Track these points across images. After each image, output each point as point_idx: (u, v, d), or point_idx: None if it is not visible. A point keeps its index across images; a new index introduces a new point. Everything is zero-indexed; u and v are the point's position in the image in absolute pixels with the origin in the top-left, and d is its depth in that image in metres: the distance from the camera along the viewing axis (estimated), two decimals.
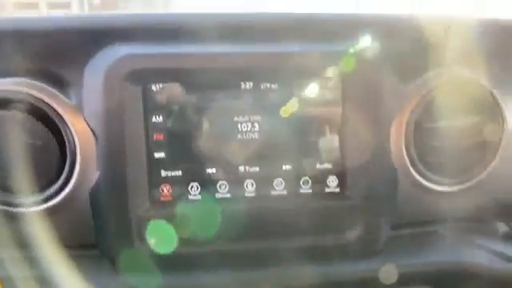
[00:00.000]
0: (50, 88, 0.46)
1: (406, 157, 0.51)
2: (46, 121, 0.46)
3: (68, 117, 0.46)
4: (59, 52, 0.47)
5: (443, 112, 0.49)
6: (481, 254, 0.53)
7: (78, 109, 0.46)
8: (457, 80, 0.50)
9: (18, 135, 0.45)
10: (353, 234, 0.50)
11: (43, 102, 0.45)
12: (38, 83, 0.46)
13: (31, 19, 0.46)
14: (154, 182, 0.48)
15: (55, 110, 0.46)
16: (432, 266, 0.51)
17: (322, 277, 0.50)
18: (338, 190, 0.51)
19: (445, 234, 0.55)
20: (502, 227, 0.59)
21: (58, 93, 0.46)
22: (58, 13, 0.51)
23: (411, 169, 0.51)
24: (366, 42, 0.46)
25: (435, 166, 0.52)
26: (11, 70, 0.47)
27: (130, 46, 0.45)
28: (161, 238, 0.48)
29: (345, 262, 0.51)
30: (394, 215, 0.52)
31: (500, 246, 0.54)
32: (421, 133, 0.50)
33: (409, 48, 0.49)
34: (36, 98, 0.45)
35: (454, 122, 0.49)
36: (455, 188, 0.53)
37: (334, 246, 0.50)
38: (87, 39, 0.46)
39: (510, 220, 0.59)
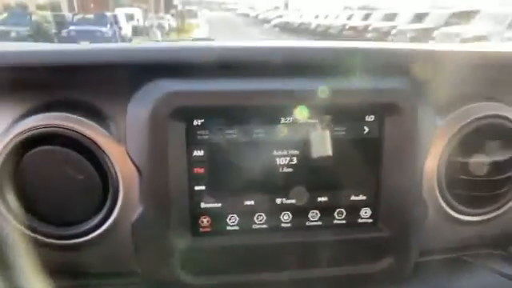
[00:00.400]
0: (91, 122, 0.46)
1: (436, 188, 0.52)
2: (89, 155, 0.46)
3: (111, 151, 0.47)
4: (101, 85, 0.47)
5: (475, 147, 0.51)
6: (495, 281, 0.55)
7: (121, 143, 0.47)
8: (491, 116, 0.51)
9: (61, 169, 0.46)
10: (383, 264, 0.52)
11: (85, 136, 0.46)
12: (79, 117, 0.46)
13: (73, 51, 0.47)
14: (195, 214, 0.49)
15: (98, 145, 0.46)
16: None
17: None
18: (370, 220, 0.52)
19: (469, 261, 0.57)
20: None
21: (99, 127, 0.47)
22: (99, 44, 0.51)
23: (440, 200, 0.53)
24: (411, 78, 0.48)
25: (463, 198, 0.53)
26: (52, 103, 0.47)
27: (174, 81, 0.46)
28: (201, 268, 0.49)
29: None
30: (423, 243, 0.54)
31: None
32: (452, 166, 0.52)
33: (447, 81, 0.50)
34: (78, 132, 0.46)
35: (485, 158, 0.51)
36: (480, 218, 0.55)
37: (364, 274, 0.52)
38: (131, 73, 0.47)
39: None
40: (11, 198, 0.46)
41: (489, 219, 0.55)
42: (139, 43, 0.50)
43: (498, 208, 0.55)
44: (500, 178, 0.52)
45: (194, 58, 0.47)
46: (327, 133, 0.48)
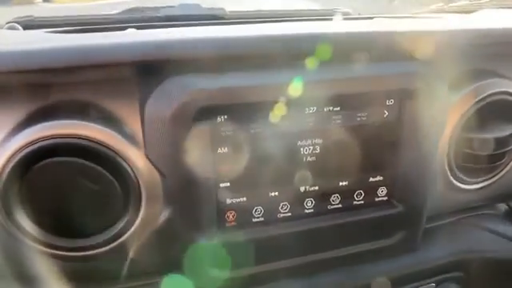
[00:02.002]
0: (104, 127, 0.42)
1: (445, 162, 0.55)
2: (104, 163, 0.42)
3: (129, 156, 0.43)
4: (110, 85, 0.42)
5: (482, 122, 0.53)
6: (491, 239, 0.62)
7: (138, 146, 0.43)
8: (500, 93, 0.53)
9: (75, 181, 0.42)
10: (397, 237, 0.55)
11: (101, 143, 0.41)
12: (92, 124, 0.41)
13: (77, 49, 0.40)
14: (220, 210, 0.48)
15: (115, 151, 0.42)
16: (460, 255, 0.59)
17: (369, 277, 0.55)
18: (385, 198, 0.54)
19: (464, 223, 0.63)
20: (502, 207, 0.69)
21: (114, 132, 0.42)
22: (108, 34, 0.44)
23: (448, 173, 0.56)
24: (426, 60, 0.47)
25: (466, 169, 0.57)
26: (56, 107, 0.41)
27: (197, 78, 0.42)
28: (229, 262, 0.49)
29: (388, 262, 0.56)
30: (429, 212, 0.58)
31: (504, 228, 0.63)
32: (460, 141, 0.54)
33: (459, 59, 0.51)
34: (93, 140, 0.41)
35: (490, 133, 0.54)
36: (478, 186, 0.59)
37: (379, 249, 0.55)
38: (144, 70, 0.42)
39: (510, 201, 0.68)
40: (21, 216, 0.42)
41: (484, 186, 0.59)
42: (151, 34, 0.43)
43: (494, 176, 0.59)
44: (502, 151, 0.55)
45: (217, 51, 0.42)
46: (349, 119, 0.48)
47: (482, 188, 0.59)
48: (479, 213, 0.64)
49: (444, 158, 0.55)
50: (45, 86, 0.41)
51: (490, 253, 0.60)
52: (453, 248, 0.59)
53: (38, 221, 0.43)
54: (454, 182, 0.57)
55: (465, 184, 0.58)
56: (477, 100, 0.52)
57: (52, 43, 0.41)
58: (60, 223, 0.43)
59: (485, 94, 0.52)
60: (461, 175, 0.57)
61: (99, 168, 0.42)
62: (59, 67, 0.39)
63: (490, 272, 0.60)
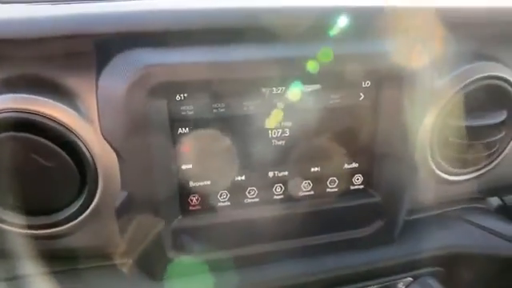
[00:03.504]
0: (57, 102, 0.40)
1: (428, 151, 0.52)
2: (59, 140, 0.41)
3: (84, 134, 0.41)
4: (63, 59, 0.40)
5: (470, 109, 0.50)
6: (479, 234, 0.58)
7: (93, 124, 0.42)
8: (490, 77, 0.49)
9: (28, 158, 0.40)
10: (374, 227, 0.53)
11: (53, 119, 0.40)
12: (44, 98, 0.40)
13: (28, 21, 0.38)
14: (183, 193, 0.46)
15: (68, 128, 0.41)
16: (441, 250, 0.56)
17: (342, 268, 0.53)
18: (362, 186, 0.52)
19: (451, 216, 0.59)
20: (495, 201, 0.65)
21: (67, 107, 0.40)
22: (58, 11, 0.42)
23: (431, 162, 0.53)
24: (409, 39, 0.44)
25: (452, 159, 0.53)
26: (6, 81, 0.40)
27: (152, 52, 0.39)
28: (193, 247, 0.48)
29: (363, 253, 0.54)
30: (410, 203, 0.55)
31: (494, 223, 0.60)
32: (445, 128, 0.51)
33: (446, 39, 0.47)
34: (45, 116, 0.40)
35: (479, 120, 0.50)
36: (466, 177, 0.56)
37: (355, 239, 0.53)
38: (98, 43, 0.39)
39: (504, 195, 0.65)
40: None
41: (473, 178, 0.56)
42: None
43: (484, 167, 0.55)
44: (491, 140, 0.52)
45: (174, 23, 0.40)
46: (320, 100, 0.45)
47: (470, 180, 0.56)
48: (468, 206, 0.60)
49: (426, 147, 0.51)
50: None
51: (477, 249, 0.57)
52: (435, 242, 0.56)
53: None
54: (438, 172, 0.54)
55: (450, 175, 0.55)
56: (463, 85, 0.49)
57: (3, 14, 0.39)
58: (15, 200, 0.42)
59: (472, 79, 0.48)
60: (445, 165, 0.53)
61: (53, 145, 0.41)
62: (8, 39, 0.38)
63: (475, 269, 0.57)
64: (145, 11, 0.40)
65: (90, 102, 0.41)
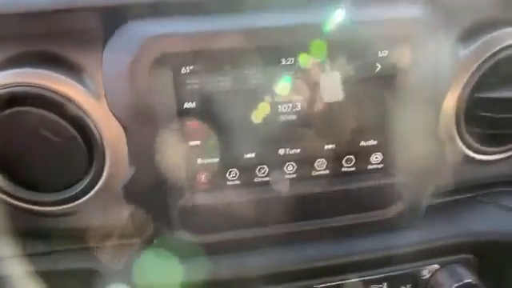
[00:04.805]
0: (64, 77, 0.40)
1: (454, 127, 0.48)
2: (66, 114, 0.41)
3: (91, 108, 0.41)
4: (69, 33, 0.40)
5: (500, 80, 0.45)
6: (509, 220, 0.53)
7: (100, 98, 0.41)
8: None
9: (36, 132, 0.41)
10: (394, 210, 0.49)
11: (60, 94, 0.40)
12: (48, 72, 0.40)
13: None
14: (191, 170, 0.45)
15: (75, 103, 0.41)
16: (471, 236, 0.52)
17: (359, 253, 0.50)
18: (381, 166, 0.48)
19: (483, 201, 0.55)
20: None
21: (74, 81, 0.40)
22: None
23: (458, 139, 0.49)
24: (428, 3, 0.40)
25: (481, 136, 0.49)
26: (15, 58, 0.40)
27: (155, 22, 0.39)
28: (202, 226, 0.47)
29: (383, 237, 0.50)
30: (436, 185, 0.51)
31: None
32: (472, 103, 0.47)
33: (470, 3, 0.43)
34: (52, 90, 0.40)
35: (510, 92, 0.46)
36: (498, 157, 0.51)
37: (374, 222, 0.50)
38: (102, 14, 0.39)
39: None
40: None
41: (505, 158, 0.51)
42: None
43: None
44: None
45: None
46: (336, 74, 0.42)
47: (501, 160, 0.51)
48: (499, 190, 0.55)
49: (452, 123, 0.47)
50: (5, 36, 0.40)
51: (510, 236, 0.52)
52: (463, 227, 0.52)
53: (1, 170, 0.42)
54: (467, 151, 0.50)
55: (480, 154, 0.50)
56: (490, 53, 0.44)
57: None
58: (23, 175, 0.43)
59: (499, 47, 0.44)
60: (474, 143, 0.49)
61: (60, 120, 0.41)
62: (13, 13, 0.38)
63: (508, 257, 0.52)
64: None
65: (98, 77, 0.41)
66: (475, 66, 0.45)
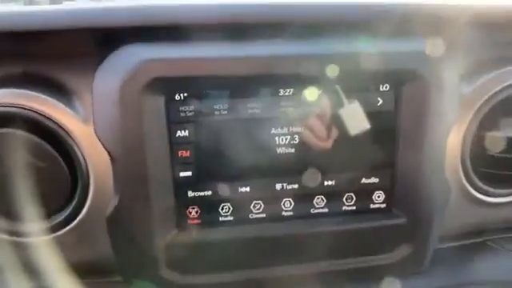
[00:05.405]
0: (52, 99, 0.38)
1: (459, 167, 0.46)
2: (52, 139, 0.39)
3: (77, 133, 0.39)
4: (61, 55, 0.39)
5: (506, 118, 0.44)
6: None
7: (88, 123, 0.39)
8: None
9: (20, 156, 0.38)
10: (399, 254, 0.46)
11: (46, 116, 0.38)
12: (37, 94, 0.38)
13: (24, 14, 0.38)
14: (181, 204, 0.42)
15: (61, 126, 0.39)
16: (481, 286, 0.48)
17: None
18: (384, 205, 0.45)
19: (493, 247, 0.51)
20: None
21: (62, 104, 0.39)
22: (57, 5, 0.41)
23: (464, 180, 0.46)
24: (432, 39, 0.40)
25: (489, 177, 0.47)
26: (4, 79, 0.39)
27: (149, 47, 0.37)
28: (190, 265, 0.43)
29: (389, 284, 0.46)
30: (441, 228, 0.48)
31: None
32: (478, 141, 0.45)
33: (476, 41, 0.42)
34: (37, 112, 0.38)
35: None
36: (506, 199, 0.48)
37: (377, 266, 0.46)
38: (96, 38, 0.38)
39: None
40: None
41: None
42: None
43: None
44: None
45: (172, 16, 0.38)
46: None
47: (511, 203, 0.48)
48: (509, 235, 0.52)
49: (457, 162, 0.45)
50: None
51: None
52: (473, 275, 0.48)
53: None
54: (473, 192, 0.47)
55: (488, 196, 0.48)
56: (495, 91, 0.43)
57: None
58: (2, 203, 0.40)
59: (506, 84, 0.43)
60: (482, 184, 0.47)
61: (44, 143, 0.38)
62: (7, 33, 0.37)
63: None
64: (144, 5, 0.38)
65: (88, 100, 0.39)
66: (479, 103, 0.44)
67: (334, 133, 0.42)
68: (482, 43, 0.43)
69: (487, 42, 0.43)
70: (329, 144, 0.42)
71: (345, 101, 0.41)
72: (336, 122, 0.42)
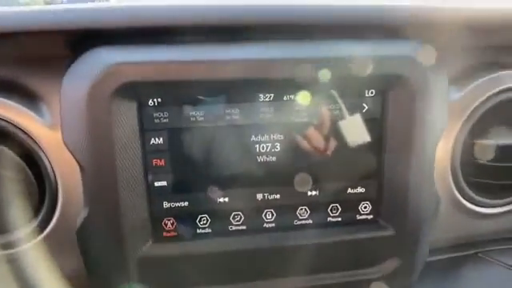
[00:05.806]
0: (17, 105, 0.36)
1: (449, 176, 0.44)
2: (17, 146, 0.37)
3: (44, 141, 0.37)
4: (28, 58, 0.37)
5: (496, 125, 0.42)
6: None
7: (56, 130, 0.37)
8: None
9: None
10: (387, 267, 0.44)
11: (11, 123, 0.36)
12: (1, 99, 0.36)
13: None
14: (156, 215, 0.40)
15: (27, 133, 0.36)
16: None
17: None
18: (370, 217, 0.43)
19: (484, 259, 0.49)
20: None
21: (28, 111, 0.36)
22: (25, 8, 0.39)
23: (454, 189, 0.44)
24: (420, 43, 0.38)
25: (480, 187, 0.45)
26: None
27: (118, 49, 0.35)
28: (165, 281, 0.40)
29: None
30: (432, 240, 0.46)
31: None
32: (468, 149, 0.43)
33: (465, 45, 0.41)
34: (1, 118, 0.36)
35: (508, 139, 0.42)
36: (499, 210, 0.46)
37: (365, 281, 0.44)
38: (64, 41, 0.36)
39: None
40: None
41: (508, 211, 0.46)
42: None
43: None
44: None
45: (144, 18, 0.36)
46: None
47: (503, 213, 0.46)
48: (501, 247, 0.50)
49: (447, 171, 0.43)
50: None
51: None
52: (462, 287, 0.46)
53: None
54: (464, 202, 0.45)
55: (479, 206, 0.46)
56: (486, 97, 0.41)
57: None
58: None
59: (497, 89, 0.41)
60: (473, 194, 0.45)
61: (8, 151, 0.36)
62: None
63: None
64: (115, 7, 0.36)
65: (55, 106, 0.37)
66: (470, 110, 0.42)
67: (319, 141, 0.40)
68: (471, 48, 0.42)
69: (477, 46, 0.42)
70: (313, 152, 0.40)
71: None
72: (318, 130, 0.40)
